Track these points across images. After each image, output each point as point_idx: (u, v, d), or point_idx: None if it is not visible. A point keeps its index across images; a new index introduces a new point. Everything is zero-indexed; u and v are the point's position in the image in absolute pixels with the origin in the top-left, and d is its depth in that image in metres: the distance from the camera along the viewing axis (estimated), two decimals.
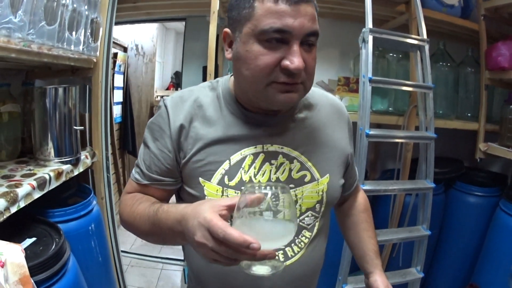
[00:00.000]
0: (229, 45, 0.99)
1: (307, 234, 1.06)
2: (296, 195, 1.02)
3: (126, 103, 4.57)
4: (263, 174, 1.01)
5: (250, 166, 1.01)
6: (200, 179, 1.00)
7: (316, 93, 1.16)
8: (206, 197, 0.99)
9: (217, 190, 0.99)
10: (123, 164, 4.67)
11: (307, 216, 1.05)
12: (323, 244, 1.15)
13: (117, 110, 4.30)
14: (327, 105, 1.15)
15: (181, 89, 4.91)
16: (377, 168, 3.25)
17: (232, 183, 1.00)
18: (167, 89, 7.51)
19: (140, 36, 5.53)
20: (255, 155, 1.01)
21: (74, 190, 2.14)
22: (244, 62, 0.91)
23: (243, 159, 1.01)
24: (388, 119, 2.65)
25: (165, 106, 1.04)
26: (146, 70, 6.04)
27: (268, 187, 0.78)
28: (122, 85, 4.42)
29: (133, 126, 4.76)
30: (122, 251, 2.60)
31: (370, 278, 1.20)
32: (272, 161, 1.02)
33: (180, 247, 3.37)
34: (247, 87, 0.96)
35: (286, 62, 0.87)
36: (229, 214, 0.78)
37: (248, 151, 1.01)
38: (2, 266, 1.09)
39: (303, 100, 1.10)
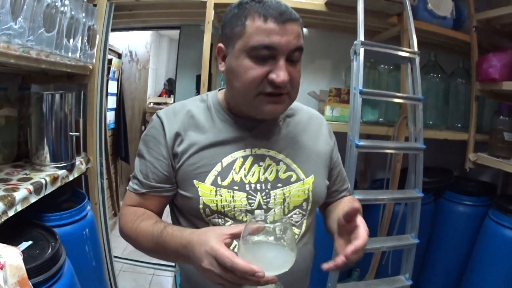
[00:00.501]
0: (223, 59, 1.09)
1: (296, 230, 1.13)
2: (284, 194, 1.11)
3: (120, 110, 4.58)
4: (253, 175, 1.09)
5: (240, 167, 1.09)
6: (194, 181, 1.07)
7: (296, 105, 1.27)
8: (200, 198, 1.06)
9: (211, 190, 1.06)
10: (116, 170, 4.67)
11: (295, 214, 1.13)
12: (311, 241, 1.22)
13: (110, 116, 4.31)
14: (305, 114, 1.27)
15: (174, 96, 4.94)
16: (367, 178, 3.27)
17: (225, 183, 1.07)
18: (160, 95, 7.51)
19: (134, 43, 5.54)
20: (245, 158, 1.10)
21: (69, 195, 2.16)
22: (236, 75, 1.02)
23: (233, 161, 1.09)
24: (379, 130, 2.68)
25: (159, 118, 1.13)
26: (140, 76, 6.05)
27: (270, 222, 0.88)
28: (115, 92, 4.43)
29: (126, 133, 4.76)
30: (114, 256, 2.61)
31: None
32: (260, 163, 1.11)
33: None
34: (238, 97, 1.06)
35: (273, 76, 0.97)
36: (232, 241, 0.86)
37: (238, 154, 1.10)
38: (2, 268, 1.11)
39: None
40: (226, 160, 1.09)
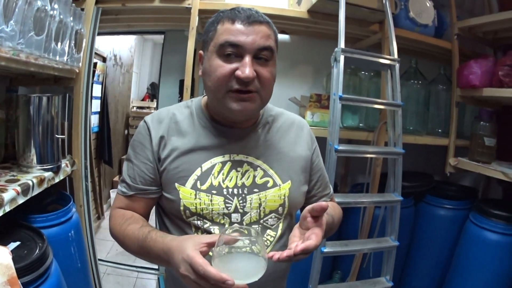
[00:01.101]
0: (202, 64, 1.15)
1: (272, 233, 1.17)
2: (260, 199, 1.15)
3: (103, 113, 4.57)
4: (230, 180, 1.14)
5: (219, 172, 1.14)
6: (176, 184, 1.12)
7: (275, 110, 1.32)
8: (181, 200, 1.11)
9: (191, 193, 1.11)
10: (99, 174, 4.66)
11: (270, 218, 1.17)
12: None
13: (94, 120, 4.30)
14: (285, 121, 1.30)
15: (157, 100, 4.96)
16: (348, 182, 3.31)
17: (204, 187, 1.12)
18: (143, 99, 7.48)
19: (118, 46, 5.55)
20: (223, 163, 1.15)
21: (54, 197, 2.17)
22: (208, 75, 1.08)
23: (212, 166, 1.14)
24: (359, 135, 2.71)
25: (146, 124, 1.19)
26: (123, 80, 6.05)
27: (244, 230, 0.92)
28: (100, 95, 4.42)
29: (109, 136, 4.75)
30: (98, 259, 2.62)
31: None
32: (238, 169, 1.15)
33: None
34: (212, 98, 1.12)
35: (238, 72, 1.03)
36: (209, 250, 0.90)
37: (217, 159, 1.15)
38: None
39: (264, 116, 1.25)
40: (206, 165, 1.14)
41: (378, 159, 2.65)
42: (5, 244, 1.50)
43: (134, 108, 6.73)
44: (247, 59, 1.03)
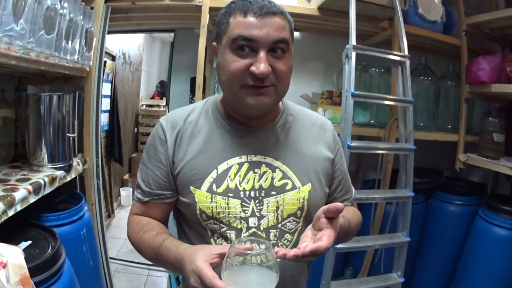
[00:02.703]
0: (217, 56, 1.11)
1: (289, 237, 1.13)
2: (277, 202, 1.11)
3: (113, 112, 4.59)
4: (247, 182, 1.10)
5: (235, 174, 1.10)
6: (191, 188, 1.09)
7: (297, 109, 1.27)
8: (197, 204, 1.09)
9: (207, 196, 1.08)
10: (109, 172, 4.69)
11: (289, 222, 1.13)
12: None
13: (103, 118, 4.32)
14: (307, 120, 1.25)
15: (167, 99, 4.95)
16: (359, 178, 3.32)
17: (220, 190, 1.09)
18: (152, 98, 7.46)
19: (127, 45, 5.57)
20: (240, 165, 1.11)
21: (66, 196, 2.17)
22: (222, 69, 1.05)
23: (229, 168, 1.10)
24: (370, 131, 2.71)
25: (160, 125, 1.17)
26: (133, 78, 6.07)
27: (254, 243, 0.90)
28: (109, 94, 4.45)
29: (119, 134, 4.78)
30: (109, 257, 2.63)
31: None
32: (256, 170, 1.11)
33: None
34: (226, 92, 1.09)
35: (253, 68, 0.99)
36: (221, 261, 0.89)
37: (233, 161, 1.11)
38: (4, 267, 1.13)
39: (284, 115, 1.21)
40: (222, 167, 1.10)
41: (389, 155, 2.65)
42: (16, 243, 1.50)
43: (144, 106, 6.73)
44: (262, 54, 0.99)
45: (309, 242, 0.92)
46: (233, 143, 1.13)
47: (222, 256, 0.88)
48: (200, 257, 0.88)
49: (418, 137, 2.66)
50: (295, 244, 1.11)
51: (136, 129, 6.47)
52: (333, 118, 2.64)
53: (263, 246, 0.90)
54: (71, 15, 1.83)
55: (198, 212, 1.09)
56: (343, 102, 2.28)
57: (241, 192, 1.09)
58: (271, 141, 1.16)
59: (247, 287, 0.84)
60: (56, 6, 1.67)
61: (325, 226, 0.93)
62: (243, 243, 0.89)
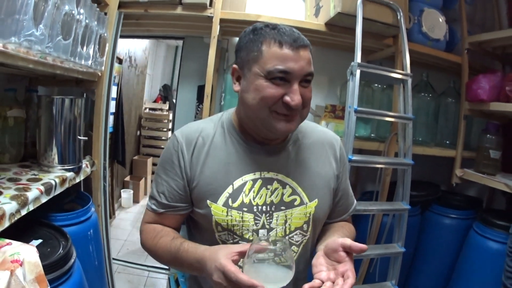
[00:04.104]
0: (237, 79, 1.17)
1: (295, 249, 1.22)
2: (286, 216, 1.19)
3: (118, 114, 4.63)
4: (260, 197, 1.17)
5: (250, 190, 1.17)
6: (208, 201, 1.16)
7: (305, 125, 1.33)
8: (213, 216, 1.15)
9: (223, 210, 1.15)
10: (112, 174, 4.73)
11: (296, 234, 1.21)
12: (307, 257, 1.28)
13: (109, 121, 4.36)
14: (317, 138, 1.32)
15: (174, 105, 5.00)
16: (358, 190, 3.36)
17: (235, 204, 1.16)
18: (155, 101, 7.48)
19: (133, 48, 5.61)
20: (254, 181, 1.18)
21: (73, 197, 2.22)
22: (252, 94, 1.09)
23: (244, 184, 1.17)
24: (370, 145, 2.77)
25: (176, 139, 1.22)
26: (137, 81, 6.11)
27: (272, 242, 0.97)
28: (115, 96, 4.49)
29: (123, 137, 4.82)
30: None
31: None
32: (268, 186, 1.18)
33: None
34: (252, 114, 1.13)
35: (287, 98, 1.05)
36: (240, 258, 0.96)
37: (248, 177, 1.18)
38: (21, 265, 1.17)
39: (294, 133, 1.27)
40: (237, 183, 1.17)
41: (388, 168, 2.70)
42: (27, 241, 1.53)
43: (147, 109, 6.78)
44: (296, 86, 1.06)
45: (325, 271, 0.99)
46: (247, 160, 1.20)
47: (241, 254, 0.95)
48: (222, 254, 0.94)
49: (417, 152, 2.71)
50: (300, 256, 1.22)
51: (138, 132, 6.51)
52: (335, 131, 2.66)
53: (280, 244, 0.96)
54: (87, 21, 1.88)
55: (214, 223, 1.16)
56: (346, 117, 2.34)
57: (254, 207, 1.16)
58: (283, 158, 1.23)
59: (266, 280, 0.89)
60: (73, 12, 1.71)
61: (345, 259, 0.99)
62: (263, 241, 0.96)
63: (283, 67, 1.04)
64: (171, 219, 1.23)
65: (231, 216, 1.15)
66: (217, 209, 1.15)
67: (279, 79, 1.06)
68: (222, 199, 1.15)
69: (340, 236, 1.22)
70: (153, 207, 1.23)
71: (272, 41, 1.06)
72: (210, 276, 0.95)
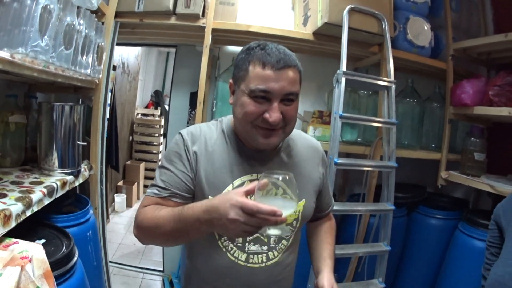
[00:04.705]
0: (232, 93, 1.28)
1: (285, 243, 1.35)
2: None
3: (112, 120, 4.68)
4: None
5: None
6: (210, 197, 1.23)
7: (297, 135, 1.45)
8: None
9: None
10: (106, 178, 4.76)
11: None
12: (295, 251, 1.43)
13: None
14: (305, 145, 1.44)
15: (161, 109, 5.05)
16: (346, 192, 3.45)
17: None
18: (147, 107, 7.53)
19: (126, 54, 5.66)
20: (251, 181, 1.25)
21: (72, 200, 2.29)
22: (239, 108, 1.21)
23: (242, 184, 1.27)
24: (357, 149, 2.86)
25: (182, 136, 1.31)
26: (130, 87, 6.15)
27: (278, 175, 1.05)
28: (109, 102, 4.53)
29: (117, 142, 4.86)
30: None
31: (318, 276, 1.40)
32: None
33: (160, 259, 3.50)
34: (240, 127, 1.26)
35: (266, 115, 1.16)
36: (248, 197, 1.02)
37: (246, 178, 1.29)
38: (30, 261, 1.26)
39: (286, 140, 1.38)
40: (236, 182, 1.27)
41: (373, 171, 2.79)
42: (31, 241, 1.60)
43: (139, 115, 6.83)
44: (275, 104, 1.15)
45: None
46: (246, 163, 1.30)
47: (247, 193, 1.01)
48: (234, 194, 1.00)
49: (403, 155, 2.83)
50: (289, 248, 1.35)
51: (131, 137, 6.56)
52: (322, 136, 2.80)
53: (284, 179, 1.05)
54: (86, 31, 1.96)
55: None
56: (332, 123, 2.45)
57: None
58: (276, 163, 1.34)
59: (278, 207, 0.95)
60: (74, 23, 1.80)
61: None
62: (268, 178, 1.03)
63: (264, 87, 1.14)
64: (173, 204, 1.25)
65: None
66: None
67: (261, 98, 1.15)
68: None
69: (328, 252, 1.48)
70: (156, 191, 1.26)
71: (257, 62, 1.16)
72: (225, 216, 0.97)
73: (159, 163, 1.35)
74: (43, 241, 1.66)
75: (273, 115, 1.14)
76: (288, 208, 1.01)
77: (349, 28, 2.48)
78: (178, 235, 1.15)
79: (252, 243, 1.27)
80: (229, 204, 0.97)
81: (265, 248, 1.29)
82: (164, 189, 1.26)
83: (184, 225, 1.09)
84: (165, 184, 1.26)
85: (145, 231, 1.21)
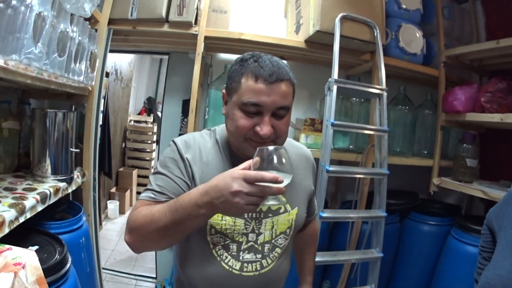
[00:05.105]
0: (225, 103, 1.28)
1: (278, 251, 1.35)
2: (273, 222, 1.32)
3: (105, 126, 4.68)
4: None
5: None
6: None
7: (288, 143, 1.43)
8: (209, 220, 1.22)
9: (218, 215, 1.23)
10: (99, 185, 4.76)
11: (280, 238, 1.35)
12: (288, 258, 1.44)
13: None
14: (296, 154, 1.45)
15: (159, 119, 5.02)
16: (338, 199, 3.46)
17: None
18: (139, 113, 7.50)
19: (119, 61, 5.66)
20: None
21: (65, 206, 2.29)
22: (231, 121, 1.21)
23: None
24: (349, 156, 2.87)
25: (176, 145, 1.30)
26: (123, 94, 6.14)
27: (271, 146, 1.05)
28: (102, 109, 4.54)
29: (110, 149, 4.86)
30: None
31: None
32: None
33: (153, 266, 3.49)
34: (232, 139, 1.26)
35: (257, 128, 1.16)
36: None
37: None
38: (23, 268, 1.26)
39: None
40: None
41: (365, 178, 2.80)
42: (24, 247, 1.61)
43: (132, 122, 6.81)
44: (266, 118, 1.15)
45: None
46: None
47: (245, 169, 1.02)
48: (233, 170, 1.02)
49: (395, 162, 2.85)
50: (281, 257, 1.37)
51: (124, 144, 6.55)
52: (314, 144, 2.81)
53: (277, 153, 1.05)
54: (80, 38, 1.97)
55: (208, 226, 1.24)
56: (324, 130, 2.46)
57: (245, 214, 1.27)
58: None
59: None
60: (67, 30, 1.81)
61: None
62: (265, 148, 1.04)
63: (255, 100, 1.14)
64: None
65: (225, 221, 1.24)
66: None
67: (252, 111, 1.15)
68: None
69: (308, 268, 1.65)
70: (151, 195, 1.21)
71: (250, 74, 1.16)
72: (227, 191, 0.97)
73: (153, 170, 1.35)
74: (36, 247, 1.66)
75: (264, 128, 1.15)
76: (285, 179, 1.02)
77: (341, 36, 2.49)
78: (174, 228, 1.08)
79: (246, 251, 1.28)
80: (230, 178, 0.98)
81: (259, 256, 1.29)
82: (161, 193, 1.21)
83: (182, 214, 1.05)
84: (161, 189, 1.22)
85: (138, 231, 1.14)
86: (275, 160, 1.03)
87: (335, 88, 2.43)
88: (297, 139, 2.75)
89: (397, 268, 3.21)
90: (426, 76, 3.14)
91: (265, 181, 0.96)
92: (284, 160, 1.04)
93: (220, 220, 1.24)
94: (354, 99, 3.04)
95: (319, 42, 2.68)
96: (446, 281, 2.74)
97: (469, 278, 2.53)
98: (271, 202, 1.05)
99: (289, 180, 1.04)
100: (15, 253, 1.33)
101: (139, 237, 1.15)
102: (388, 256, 2.63)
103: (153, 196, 1.21)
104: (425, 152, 3.25)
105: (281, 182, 0.97)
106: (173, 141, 1.32)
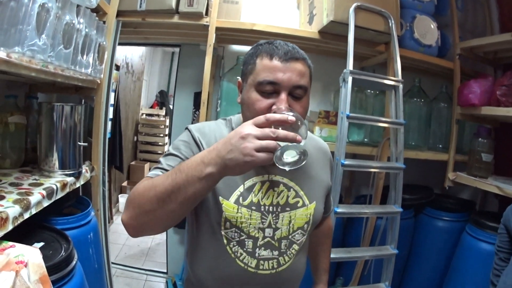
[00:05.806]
0: (241, 91, 1.25)
1: (296, 247, 1.29)
2: (290, 216, 1.26)
3: (116, 120, 4.68)
4: (268, 198, 1.24)
5: (258, 190, 1.23)
6: (220, 198, 1.19)
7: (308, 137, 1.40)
8: (223, 213, 1.19)
9: (233, 207, 1.19)
10: (110, 179, 4.77)
11: (297, 234, 1.29)
12: (304, 255, 1.40)
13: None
14: (314, 147, 1.41)
15: (171, 112, 5.00)
16: (352, 194, 3.41)
17: (245, 203, 1.21)
18: (151, 107, 7.53)
19: (130, 54, 5.66)
20: (263, 183, 1.24)
21: (73, 202, 2.26)
22: (247, 106, 1.17)
23: (253, 184, 1.23)
24: (363, 150, 2.82)
25: (190, 131, 1.25)
26: (134, 88, 6.14)
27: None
28: (113, 102, 4.53)
29: (121, 142, 4.86)
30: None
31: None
32: (275, 188, 1.25)
33: (163, 261, 3.47)
34: None
35: (274, 107, 1.10)
36: None
37: (257, 179, 1.24)
38: (26, 266, 1.22)
39: None
40: (248, 183, 1.22)
41: (380, 172, 2.75)
42: (29, 244, 1.57)
43: (144, 115, 6.82)
44: (283, 95, 1.11)
45: None
46: None
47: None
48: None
49: (410, 156, 2.78)
50: (298, 254, 1.31)
51: (135, 137, 6.56)
52: (329, 137, 2.76)
53: (297, 119, 0.99)
54: (87, 30, 1.93)
55: (223, 220, 1.19)
56: (339, 123, 2.41)
57: (262, 207, 1.22)
58: None
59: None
60: (73, 22, 1.77)
61: None
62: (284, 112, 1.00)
63: (271, 78, 1.11)
64: None
65: (241, 213, 1.19)
66: (229, 206, 1.19)
67: (268, 91, 1.12)
68: (234, 197, 1.20)
69: (324, 267, 1.63)
70: (159, 173, 1.13)
71: (264, 54, 1.14)
72: (238, 136, 0.92)
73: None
74: (41, 244, 1.65)
75: (281, 106, 1.10)
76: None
77: (356, 26, 2.44)
78: (175, 194, 0.97)
79: (262, 247, 1.22)
80: (240, 127, 0.95)
81: (276, 253, 1.24)
82: (168, 171, 1.09)
83: (185, 175, 0.96)
84: (171, 168, 1.11)
85: (134, 202, 1.04)
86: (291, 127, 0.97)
87: (350, 79, 2.37)
88: (311, 132, 2.69)
89: (410, 264, 3.16)
90: (440, 68, 3.08)
91: (275, 121, 0.94)
92: (299, 123, 0.99)
93: (235, 213, 1.19)
94: (368, 91, 2.98)
95: (332, 32, 2.64)
96: (460, 278, 2.68)
97: (483, 275, 2.50)
98: (287, 158, 0.98)
99: (303, 142, 0.98)
100: (18, 250, 1.30)
101: (135, 209, 1.04)
102: (402, 252, 2.58)
103: (160, 174, 1.12)
104: (440, 146, 3.19)
105: (292, 121, 0.94)
106: (187, 128, 1.28)
